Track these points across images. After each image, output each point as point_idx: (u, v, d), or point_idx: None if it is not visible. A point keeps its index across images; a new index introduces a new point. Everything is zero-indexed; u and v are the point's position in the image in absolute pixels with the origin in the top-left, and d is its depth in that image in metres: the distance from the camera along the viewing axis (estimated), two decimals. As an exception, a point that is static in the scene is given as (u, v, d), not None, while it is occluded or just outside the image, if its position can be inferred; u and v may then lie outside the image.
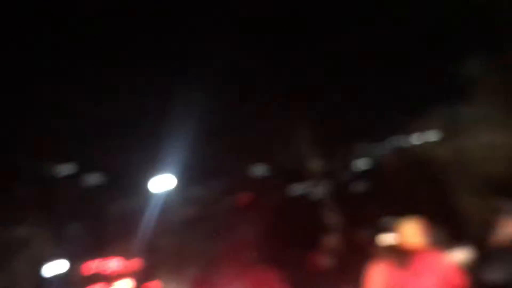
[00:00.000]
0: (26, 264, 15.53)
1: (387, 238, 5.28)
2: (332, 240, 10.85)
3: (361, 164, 24.28)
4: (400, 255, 4.11)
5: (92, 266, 27.30)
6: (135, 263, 29.39)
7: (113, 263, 26.75)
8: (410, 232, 4.47)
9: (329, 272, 8.47)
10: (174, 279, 17.81)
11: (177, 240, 30.72)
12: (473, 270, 4.78)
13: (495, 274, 4.40)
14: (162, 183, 29.40)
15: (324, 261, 8.53)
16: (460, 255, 5.58)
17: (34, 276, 16.75)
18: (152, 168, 30.27)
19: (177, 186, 30.61)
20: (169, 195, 31.01)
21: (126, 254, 30.28)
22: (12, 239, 18.88)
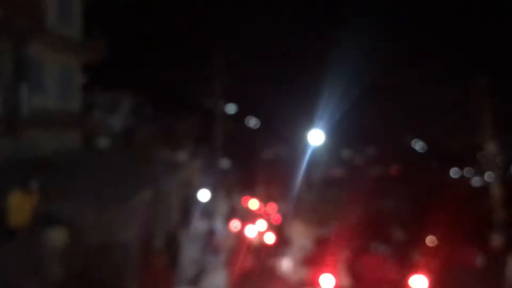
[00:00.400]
0: (177, 186, 16.46)
1: None
2: (496, 238, 8.64)
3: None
4: None
5: (236, 202, 28.70)
6: (275, 208, 30.06)
7: (255, 204, 27.67)
8: None
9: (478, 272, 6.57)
10: (304, 234, 17.17)
11: (318, 195, 30.33)
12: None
13: None
14: (315, 137, 29.02)
15: (476, 258, 6.59)
16: None
17: (182, 197, 17.75)
18: (306, 123, 30.08)
19: (329, 144, 30.03)
20: (320, 152, 30.58)
21: (268, 198, 31.15)
22: (171, 162, 20.24)
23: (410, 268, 7.00)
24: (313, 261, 7.80)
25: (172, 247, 10.22)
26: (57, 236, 6.23)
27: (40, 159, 11.72)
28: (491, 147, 11.64)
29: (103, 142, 19.38)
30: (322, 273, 6.83)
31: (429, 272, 6.72)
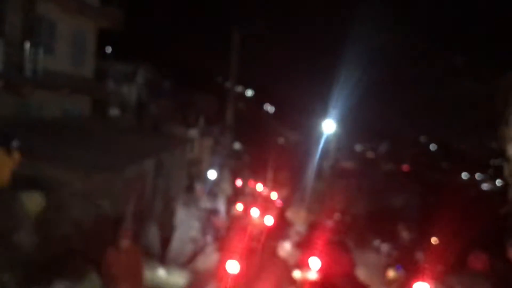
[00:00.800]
0: (182, 161, 15.89)
1: None
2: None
3: None
4: None
5: (241, 183, 28.28)
6: (280, 193, 29.58)
7: (261, 187, 27.29)
8: None
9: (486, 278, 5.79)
10: (304, 221, 16.53)
11: (327, 186, 29.59)
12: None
13: None
14: (328, 126, 28.44)
15: (486, 264, 5.78)
16: None
17: (187, 174, 17.21)
18: (321, 112, 29.39)
19: (342, 137, 29.34)
20: (333, 143, 29.85)
21: (275, 183, 30.69)
22: (181, 137, 19.68)
23: (414, 272, 6.29)
24: (306, 245, 7.97)
25: (167, 226, 9.64)
26: (33, 201, 5.68)
27: (42, 120, 11.21)
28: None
29: (114, 111, 18.91)
30: (310, 256, 6.85)
31: (433, 277, 6.02)
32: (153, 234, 9.65)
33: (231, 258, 6.81)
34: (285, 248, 11.57)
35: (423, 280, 5.94)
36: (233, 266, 6.72)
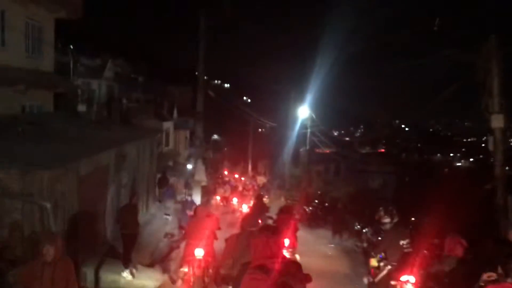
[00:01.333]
0: (151, 154, 14.76)
1: None
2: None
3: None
4: None
5: (220, 174, 27.52)
6: (258, 181, 28.92)
7: (239, 177, 26.74)
8: None
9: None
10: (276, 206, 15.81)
11: (304, 171, 28.86)
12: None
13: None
14: (303, 112, 27.65)
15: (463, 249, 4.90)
16: None
17: (157, 167, 16.10)
18: (296, 100, 28.56)
19: (318, 123, 28.67)
20: (310, 130, 29.13)
21: (253, 171, 29.94)
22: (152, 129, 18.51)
23: (398, 262, 5.47)
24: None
25: (131, 223, 8.55)
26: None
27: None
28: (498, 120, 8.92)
29: (82, 107, 17.67)
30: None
31: (418, 267, 5.24)
32: (113, 233, 8.60)
33: (196, 245, 6.84)
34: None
35: (409, 273, 5.13)
36: (198, 252, 6.80)
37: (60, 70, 16.47)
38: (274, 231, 3.19)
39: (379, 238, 6.43)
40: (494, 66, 6.94)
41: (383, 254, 5.88)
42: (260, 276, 2.94)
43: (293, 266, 3.21)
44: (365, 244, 10.44)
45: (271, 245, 3.04)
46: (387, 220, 5.88)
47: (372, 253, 6.35)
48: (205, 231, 7.04)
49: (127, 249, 8.27)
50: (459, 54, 7.78)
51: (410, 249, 5.54)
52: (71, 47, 16.28)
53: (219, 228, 7.79)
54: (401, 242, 5.61)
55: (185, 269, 7.00)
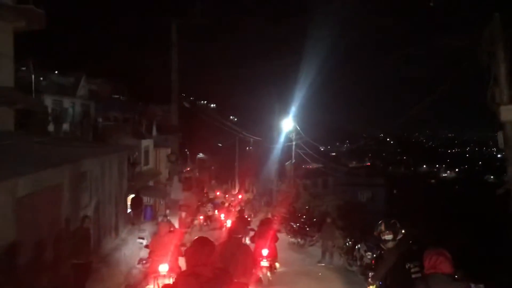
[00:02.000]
0: (121, 173, 13.25)
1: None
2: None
3: None
4: None
5: (206, 192, 26.23)
6: (243, 197, 27.81)
7: (223, 194, 25.56)
8: None
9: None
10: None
11: (290, 187, 27.56)
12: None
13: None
14: (287, 126, 26.62)
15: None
16: None
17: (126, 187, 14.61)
18: (281, 117, 27.65)
19: (304, 139, 27.66)
20: (295, 145, 28.05)
21: (239, 188, 28.81)
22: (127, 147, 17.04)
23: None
24: (256, 239, 8.84)
25: (83, 250, 7.07)
26: None
27: None
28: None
29: (51, 126, 16.18)
30: (261, 247, 8.38)
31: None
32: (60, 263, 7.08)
33: (160, 262, 6.85)
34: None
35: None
36: (162, 268, 6.81)
37: (28, 88, 15.10)
38: (206, 242, 3.23)
39: (376, 256, 5.13)
40: (500, 49, 5.83)
41: (382, 282, 4.52)
42: (192, 282, 2.98)
43: (226, 275, 3.21)
44: (358, 263, 9.06)
45: (205, 254, 3.08)
46: (389, 236, 4.51)
47: (370, 279, 4.99)
48: (169, 247, 6.96)
49: (80, 282, 6.80)
50: (459, 40, 6.65)
51: (419, 274, 4.14)
52: (31, 61, 14.91)
53: (183, 244, 7.53)
54: (408, 265, 4.26)
55: (150, 286, 6.89)
